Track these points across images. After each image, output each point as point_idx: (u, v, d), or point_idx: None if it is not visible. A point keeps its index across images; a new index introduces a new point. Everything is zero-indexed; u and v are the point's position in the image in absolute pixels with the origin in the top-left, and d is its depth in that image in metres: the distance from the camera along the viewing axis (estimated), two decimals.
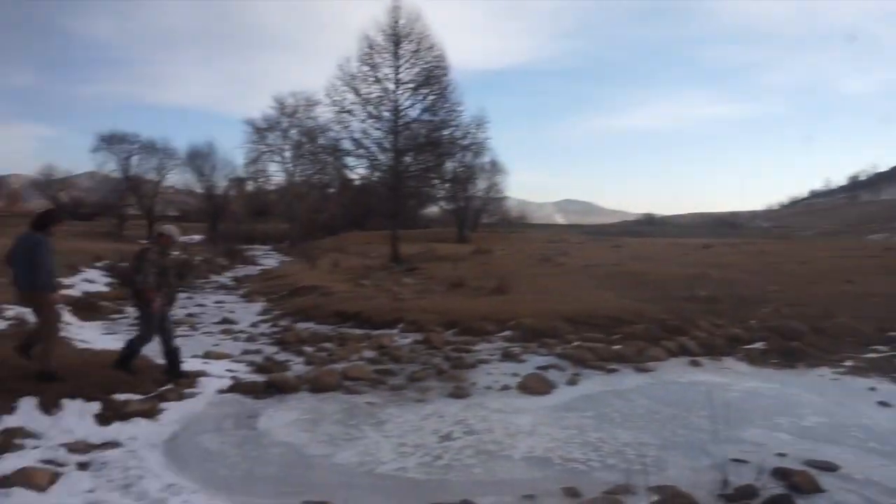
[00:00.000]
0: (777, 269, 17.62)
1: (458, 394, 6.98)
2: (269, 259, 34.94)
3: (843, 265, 18.35)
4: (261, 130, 46.70)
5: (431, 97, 23.73)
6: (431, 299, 13.67)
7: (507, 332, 10.82)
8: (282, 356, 9.10)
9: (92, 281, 16.76)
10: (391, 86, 23.59)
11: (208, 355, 8.85)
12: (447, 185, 30.06)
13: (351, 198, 31.95)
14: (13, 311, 10.39)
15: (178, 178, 46.44)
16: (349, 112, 23.81)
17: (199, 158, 46.27)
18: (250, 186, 56.45)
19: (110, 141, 41.61)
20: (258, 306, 15.29)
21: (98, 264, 19.76)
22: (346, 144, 24.63)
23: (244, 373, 7.87)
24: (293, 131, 45.73)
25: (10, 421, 5.26)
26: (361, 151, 24.38)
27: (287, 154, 47.21)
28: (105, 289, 15.99)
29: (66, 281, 15.56)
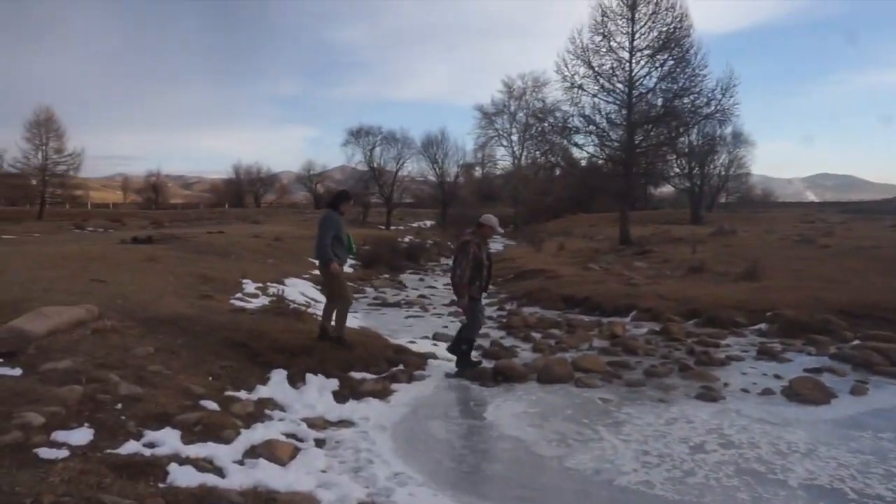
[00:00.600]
0: None
1: (709, 395, 6.02)
2: (494, 243, 35.67)
3: None
4: (489, 115, 48.06)
5: (670, 62, 21.66)
6: (667, 285, 12.46)
7: (761, 325, 9.36)
8: (508, 341, 8.84)
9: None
10: (625, 55, 22.08)
11: (437, 337, 8.93)
12: (683, 160, 27.47)
13: (578, 178, 30.99)
14: (274, 288, 11.66)
15: (414, 166, 49.69)
16: (580, 87, 22.82)
17: (432, 147, 48.99)
18: (478, 172, 58.47)
19: (357, 135, 45.87)
20: None
21: None
22: (576, 122, 23.69)
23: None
24: (521, 114, 46.22)
25: (263, 391, 5.65)
26: (591, 128, 23.28)
27: (514, 138, 47.92)
28: (350, 270, 17.38)
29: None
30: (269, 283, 11.91)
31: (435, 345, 8.31)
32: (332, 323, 7.11)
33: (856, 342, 8.23)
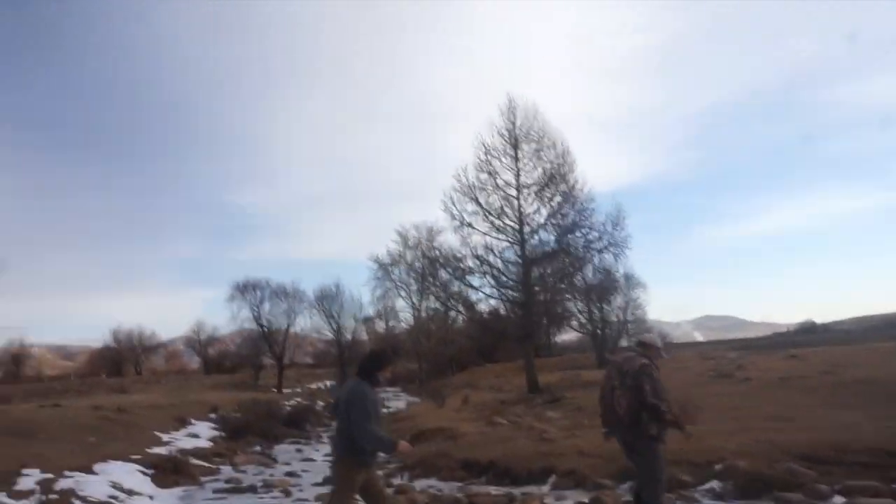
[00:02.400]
0: None
1: None
2: (397, 401, 32.72)
3: None
4: (385, 266, 46.69)
5: (558, 198, 21.27)
6: (587, 437, 10.36)
7: (712, 484, 7.34)
8: None
9: (197, 435, 15.05)
10: (513, 192, 21.57)
11: None
12: (581, 297, 26.52)
13: (478, 324, 29.43)
14: (72, 478, 8.48)
15: (307, 322, 46.44)
16: (469, 225, 21.86)
17: (326, 300, 46.39)
18: (379, 325, 56.12)
19: (243, 290, 42.41)
20: None
21: (213, 415, 18.27)
22: (469, 262, 22.44)
23: None
24: (417, 264, 45.23)
25: None
26: (485, 268, 22.05)
27: (413, 288, 46.54)
28: (208, 444, 14.12)
29: (164, 437, 13.93)
30: (67, 472, 8.73)
31: None
32: None
33: (838, 499, 6.36)
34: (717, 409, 11.24)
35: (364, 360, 4.81)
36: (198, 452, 12.66)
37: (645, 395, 4.99)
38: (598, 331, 39.30)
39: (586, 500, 6.94)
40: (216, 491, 9.55)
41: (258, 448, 14.79)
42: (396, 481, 9.55)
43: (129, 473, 9.59)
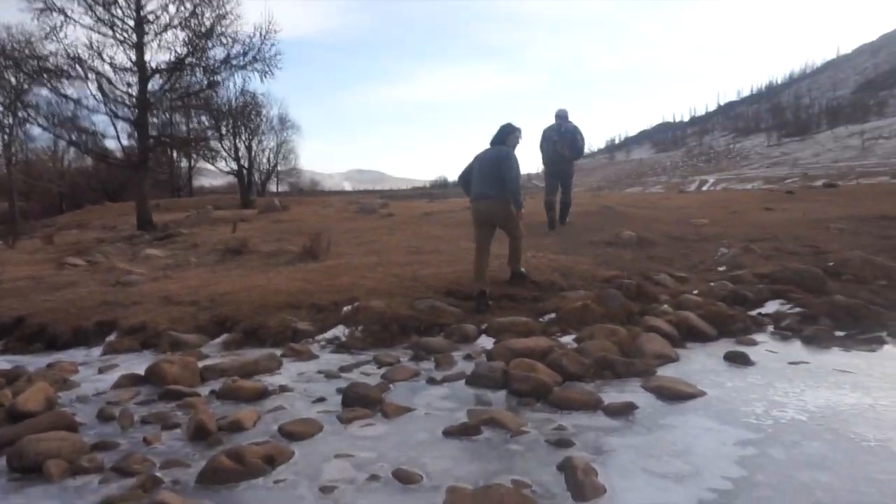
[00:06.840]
0: (658, 206, 14.19)
1: None
2: None
3: (699, 201, 15.62)
4: None
5: None
6: (186, 279, 7.68)
7: (336, 330, 5.41)
8: None
9: None
10: None
11: None
12: (223, 120, 22.40)
13: (79, 148, 23.10)
14: None
15: None
16: (62, 12, 15.72)
17: None
18: None
19: None
20: None
21: None
22: (60, 61, 16.43)
23: None
24: (10, 76, 33.95)
25: None
26: (88, 74, 16.41)
27: None
28: None
29: None
30: None
31: None
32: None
33: (485, 340, 5.01)
34: (356, 243, 9.59)
35: (497, 134, 6.12)
36: None
37: (578, 140, 8.99)
38: (245, 169, 35.89)
39: (141, 372, 4.31)
40: None
41: None
42: None
43: None
